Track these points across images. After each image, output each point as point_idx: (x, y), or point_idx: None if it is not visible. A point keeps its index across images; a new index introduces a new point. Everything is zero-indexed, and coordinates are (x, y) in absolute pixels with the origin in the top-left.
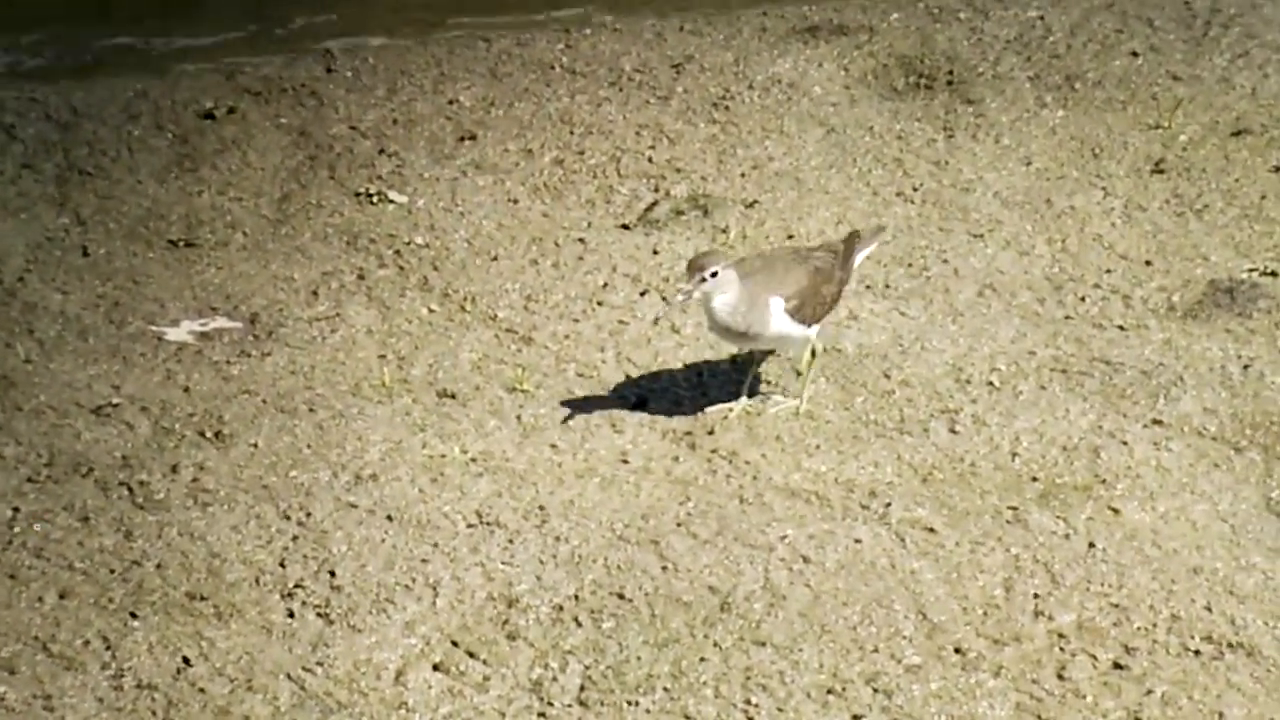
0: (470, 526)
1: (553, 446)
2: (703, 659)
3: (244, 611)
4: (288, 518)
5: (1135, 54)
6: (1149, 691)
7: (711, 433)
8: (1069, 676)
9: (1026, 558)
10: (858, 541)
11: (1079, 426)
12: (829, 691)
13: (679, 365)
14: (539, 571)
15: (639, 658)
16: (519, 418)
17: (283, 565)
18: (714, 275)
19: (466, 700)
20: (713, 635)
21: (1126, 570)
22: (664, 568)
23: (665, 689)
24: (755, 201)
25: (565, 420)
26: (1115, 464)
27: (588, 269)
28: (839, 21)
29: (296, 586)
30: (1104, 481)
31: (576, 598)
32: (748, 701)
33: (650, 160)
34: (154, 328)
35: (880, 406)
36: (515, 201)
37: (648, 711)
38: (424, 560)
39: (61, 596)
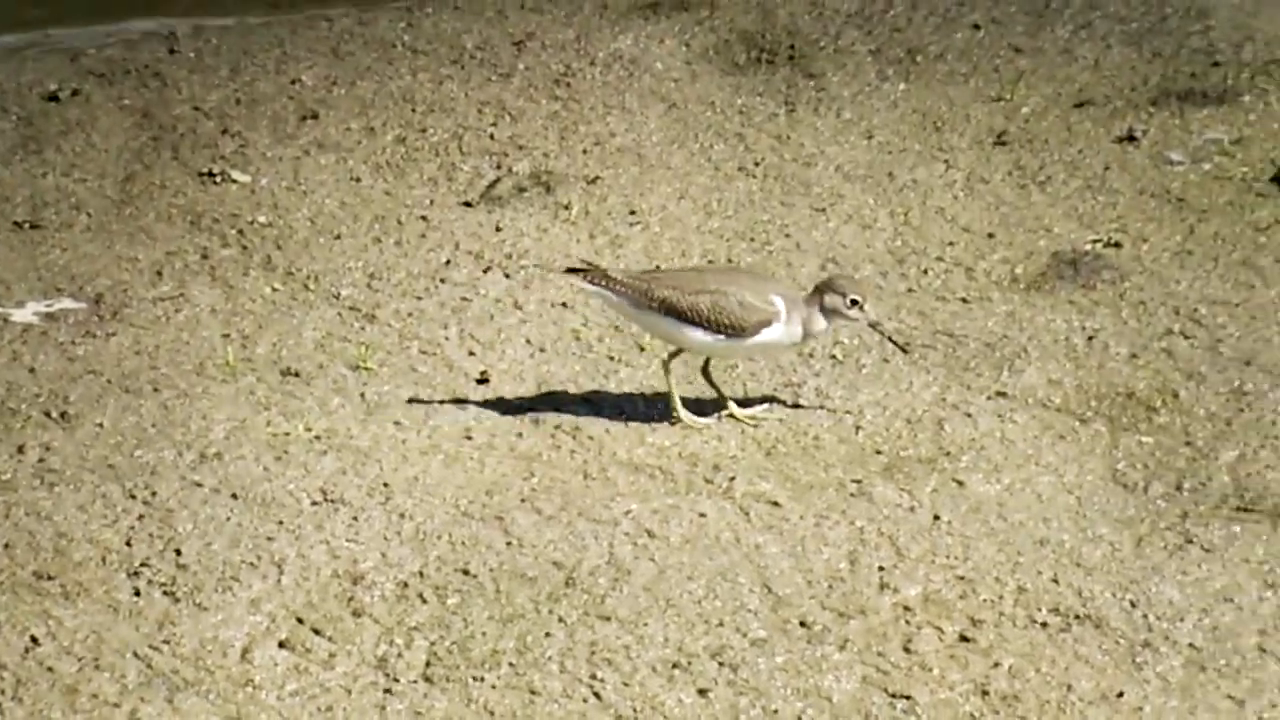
0: (315, 504)
1: (396, 424)
2: (548, 634)
3: (91, 590)
4: (133, 497)
5: (977, 26)
6: (996, 664)
7: (555, 408)
8: (915, 649)
9: (871, 531)
10: (702, 516)
11: (923, 399)
12: (674, 666)
13: (522, 341)
14: (384, 548)
15: (484, 633)
16: (363, 395)
17: (129, 544)
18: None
19: (312, 677)
20: (557, 610)
21: (972, 543)
22: (509, 543)
23: (510, 664)
24: (597, 177)
25: (409, 398)
26: (959, 436)
27: (430, 246)
28: None
29: (143, 565)
30: (948, 454)
31: (421, 574)
32: (593, 676)
33: (492, 138)
34: None
35: (723, 381)
36: (358, 180)
37: (493, 687)
38: (269, 538)
39: None
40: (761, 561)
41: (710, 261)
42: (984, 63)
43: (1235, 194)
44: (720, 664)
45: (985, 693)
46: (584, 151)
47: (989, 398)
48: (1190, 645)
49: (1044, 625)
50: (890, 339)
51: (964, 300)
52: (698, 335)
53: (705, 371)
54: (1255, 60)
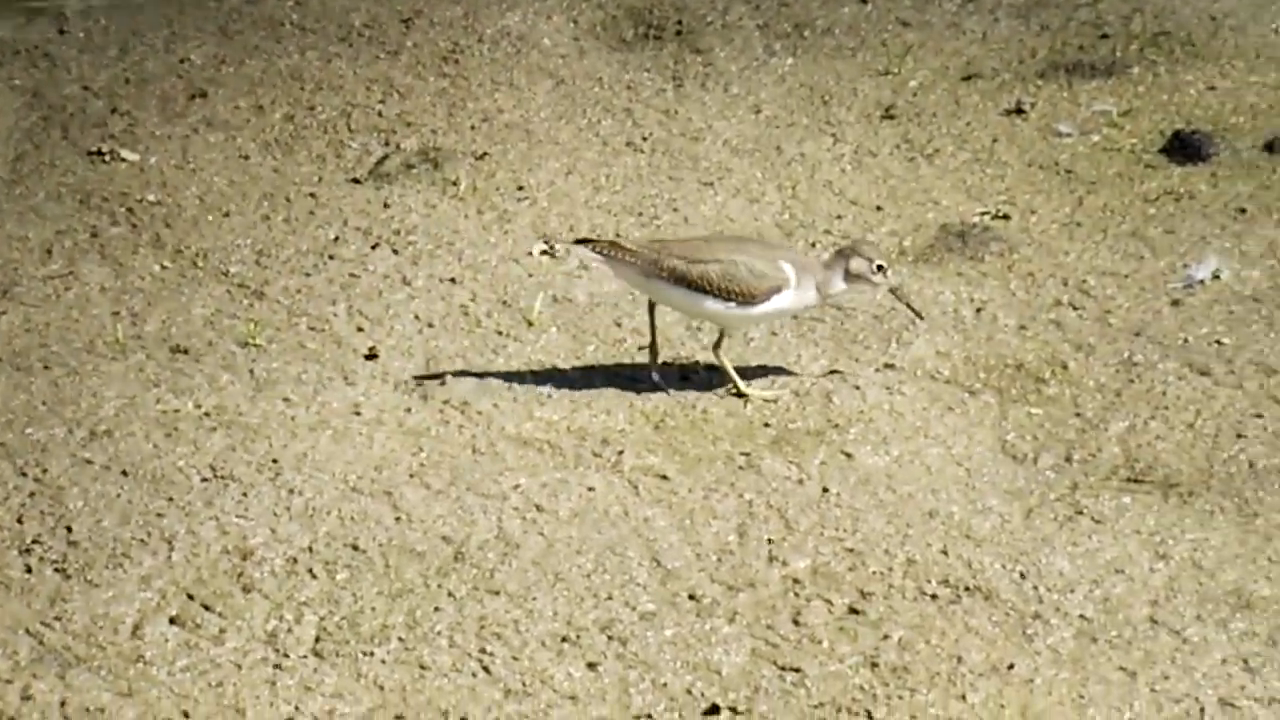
0: (205, 480)
1: (285, 400)
2: (437, 609)
3: None
4: (24, 474)
5: (864, 1)
6: (885, 636)
7: (443, 383)
8: (804, 622)
9: (760, 503)
10: (591, 490)
11: (811, 371)
12: (564, 640)
13: (410, 317)
14: (273, 524)
15: (374, 608)
16: (251, 372)
17: (20, 521)
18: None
19: (203, 652)
20: (447, 585)
21: (861, 515)
22: (398, 518)
23: (400, 639)
24: (485, 154)
25: (298, 374)
26: (848, 409)
27: (319, 223)
28: None
29: (34, 542)
30: (837, 426)
31: (311, 549)
32: (482, 650)
33: (380, 115)
34: None
35: (612, 355)
36: (246, 158)
37: (383, 662)
38: (159, 514)
39: None
40: (650, 535)
41: (599, 237)
42: (871, 37)
43: (1124, 165)
44: (609, 637)
45: (875, 665)
46: (472, 128)
47: (877, 370)
48: (1081, 617)
49: (933, 597)
50: (910, 305)
51: None
52: (709, 304)
53: (716, 349)
54: (1144, 32)
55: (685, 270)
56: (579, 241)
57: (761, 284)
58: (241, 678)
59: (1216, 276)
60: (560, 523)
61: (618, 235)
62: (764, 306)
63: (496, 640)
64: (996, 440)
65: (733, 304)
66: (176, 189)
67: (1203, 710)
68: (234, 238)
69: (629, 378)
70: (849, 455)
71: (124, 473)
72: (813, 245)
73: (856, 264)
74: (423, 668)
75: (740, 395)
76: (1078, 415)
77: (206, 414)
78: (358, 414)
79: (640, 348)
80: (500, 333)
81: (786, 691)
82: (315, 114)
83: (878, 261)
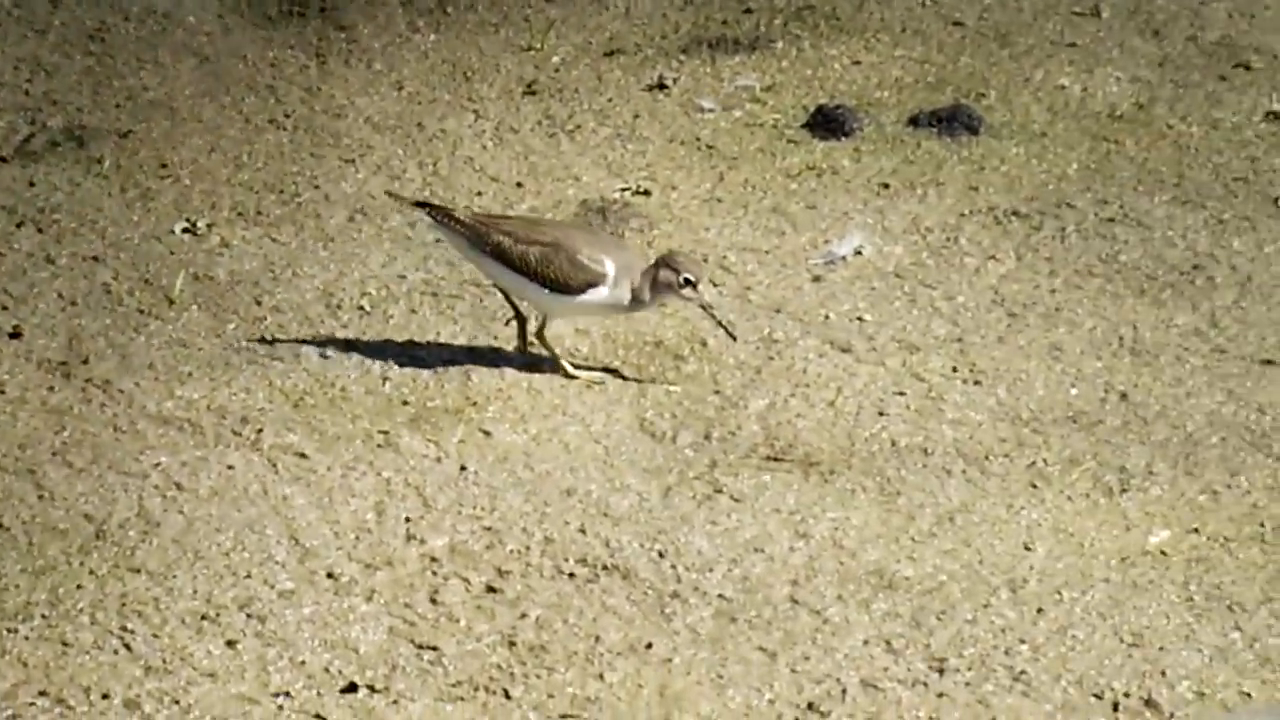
0: None
1: None
2: (79, 586)
3: None
4: None
5: None
6: (523, 615)
7: (85, 361)
8: (442, 600)
9: (398, 481)
10: (230, 468)
11: (450, 349)
12: (203, 617)
13: (54, 295)
14: None
15: (17, 585)
16: None
17: None
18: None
19: None
20: (88, 563)
21: (499, 492)
22: (40, 496)
23: (43, 616)
24: (130, 131)
25: None
26: (486, 387)
27: None
28: None
29: None
30: (475, 404)
31: None
32: (123, 628)
33: (27, 93)
34: None
35: (252, 333)
36: None
37: (26, 638)
38: None
39: None
40: (289, 513)
41: (240, 214)
42: (514, 12)
43: (766, 141)
44: (248, 615)
45: (513, 644)
46: (117, 106)
47: (516, 347)
48: (720, 596)
49: (571, 576)
50: (721, 324)
51: None
52: (525, 285)
53: (540, 334)
54: (788, 6)
55: (508, 248)
56: (418, 204)
57: (578, 275)
58: None
59: (859, 252)
60: (200, 501)
61: (468, 205)
62: (578, 298)
63: (137, 617)
64: (635, 418)
65: (547, 291)
66: None
67: (844, 691)
68: None
69: (268, 356)
70: (487, 433)
71: None
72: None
73: (664, 275)
74: (65, 645)
75: (569, 376)
76: (717, 393)
77: None
78: (1, 392)
79: (277, 330)
80: (142, 311)
81: (424, 670)
82: None
83: (685, 275)
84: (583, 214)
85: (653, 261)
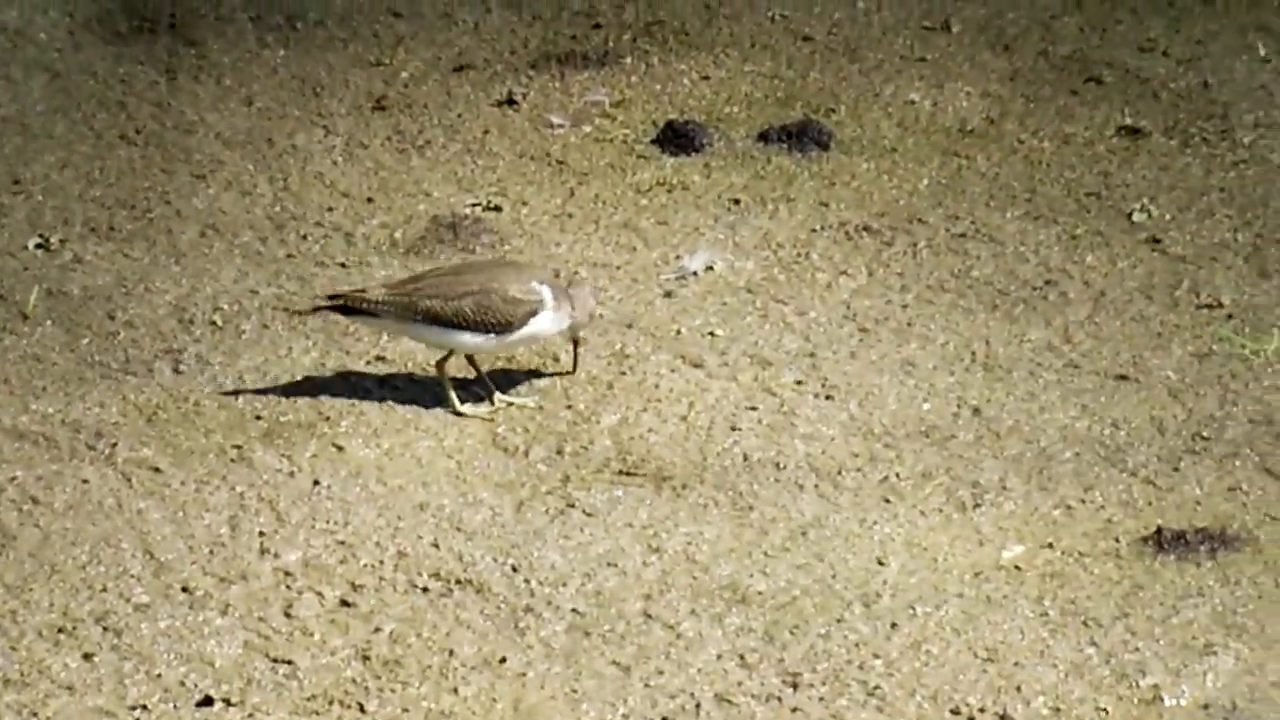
0: None
1: None
2: None
3: None
4: None
5: None
6: (377, 629)
7: None
8: (296, 614)
9: (252, 496)
10: (85, 482)
11: (302, 364)
12: (60, 630)
13: None
14: None
15: None
16: None
17: None
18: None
19: None
20: None
21: (352, 507)
22: None
23: None
24: None
25: None
26: (339, 402)
27: None
28: None
29: None
30: (328, 419)
31: None
32: None
33: None
34: None
35: (105, 348)
36: None
37: None
38: None
39: None
40: (144, 527)
41: (93, 230)
42: (363, 28)
43: (616, 156)
44: (105, 628)
45: (367, 658)
46: None
47: (368, 362)
48: (573, 610)
49: (425, 590)
50: (576, 357)
51: (343, 265)
52: (466, 338)
53: (470, 360)
54: (637, 22)
55: (440, 309)
56: (324, 304)
57: (518, 310)
58: None
59: (710, 268)
60: (55, 515)
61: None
62: (520, 332)
63: None
64: (488, 433)
65: (491, 335)
66: None
67: (698, 706)
68: None
69: (122, 370)
70: (340, 448)
71: None
72: (304, 238)
73: (591, 302)
74: None
75: (457, 414)
76: (569, 408)
77: None
78: None
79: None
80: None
81: (279, 683)
82: None
83: (597, 307)
84: (434, 229)
85: (567, 282)
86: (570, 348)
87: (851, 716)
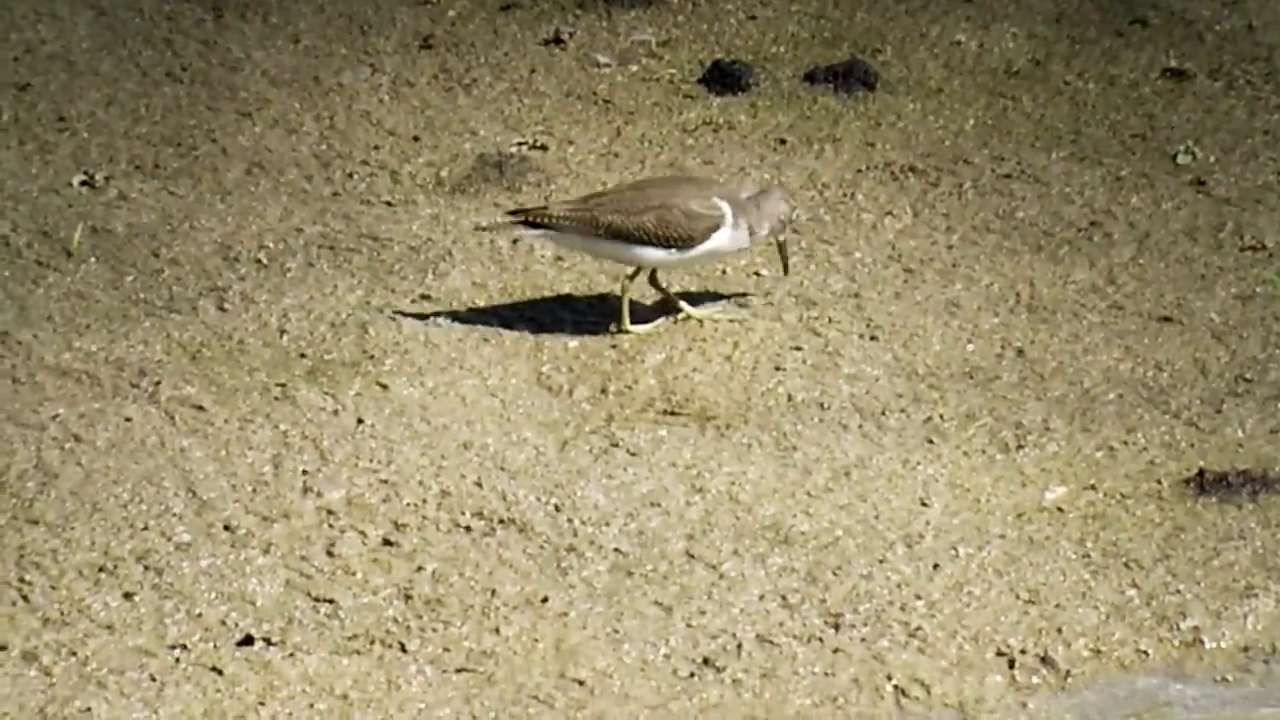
0: None
1: None
2: None
3: None
4: None
5: None
6: (419, 568)
7: None
8: (338, 553)
9: (295, 434)
10: (128, 420)
11: (347, 303)
12: (100, 569)
13: None
14: None
15: None
16: None
17: None
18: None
19: None
20: None
21: (396, 446)
22: None
23: None
24: (28, 84)
25: None
26: (383, 340)
27: None
28: None
29: None
30: (372, 357)
31: None
32: (21, 580)
33: None
34: None
35: (149, 285)
36: None
37: None
38: None
39: None
40: (187, 466)
41: (138, 168)
42: None
43: (662, 96)
44: (146, 567)
45: (409, 597)
46: (15, 59)
47: (413, 301)
48: (616, 550)
49: (468, 529)
50: (785, 260)
51: (389, 204)
52: (649, 252)
53: (653, 280)
54: None
55: (623, 224)
56: (511, 213)
57: (699, 226)
58: None
59: None
60: (98, 453)
61: (547, 200)
62: (701, 248)
63: (35, 569)
64: (532, 372)
65: (673, 250)
66: None
67: (740, 646)
68: None
69: (166, 308)
70: (384, 386)
71: None
72: (349, 176)
73: (781, 208)
74: None
75: (624, 331)
76: (613, 347)
77: None
78: None
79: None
80: (40, 263)
81: (320, 622)
82: None
83: (797, 210)
84: (480, 168)
85: (761, 192)
86: (778, 252)
87: (893, 657)
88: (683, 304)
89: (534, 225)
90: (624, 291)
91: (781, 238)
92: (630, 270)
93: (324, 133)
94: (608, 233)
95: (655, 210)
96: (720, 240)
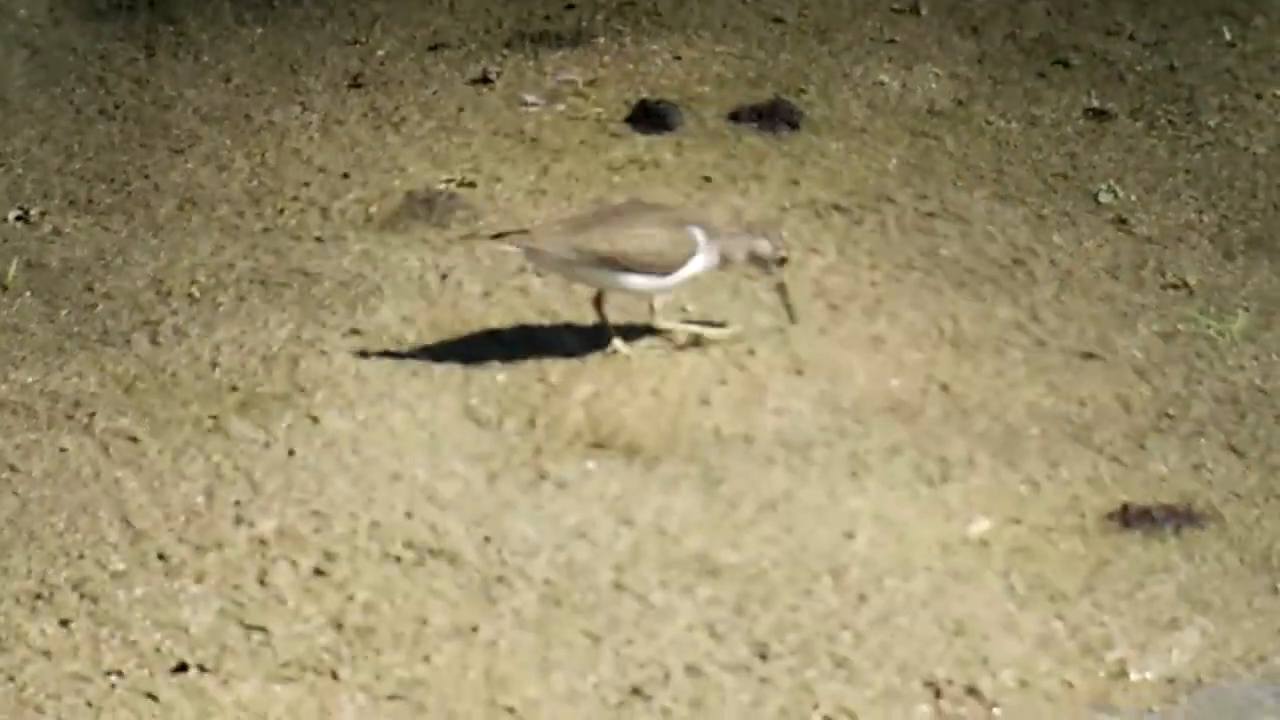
0: None
1: None
2: None
3: None
4: None
5: None
6: (350, 597)
7: None
8: (271, 582)
9: (227, 466)
10: (63, 451)
11: (278, 336)
12: (37, 597)
13: None
14: None
15: None
16: None
17: None
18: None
19: None
20: None
21: (327, 477)
22: None
23: None
24: None
25: None
26: (314, 373)
27: None
28: None
29: None
30: (303, 390)
31: None
32: None
33: None
34: None
35: (84, 319)
36: None
37: None
38: None
39: None
40: (121, 496)
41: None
42: (340, 7)
43: (589, 134)
44: (81, 595)
45: (340, 625)
46: None
47: (343, 335)
48: (545, 580)
49: (398, 560)
50: (788, 305)
51: (319, 239)
52: (631, 280)
53: (597, 303)
54: (609, 2)
55: (607, 251)
56: (495, 237)
57: (678, 253)
58: None
59: None
60: (34, 483)
61: (530, 223)
62: (680, 274)
63: None
64: (461, 405)
65: (655, 276)
66: None
67: (668, 676)
68: None
69: (100, 341)
70: (315, 419)
71: None
72: (280, 212)
73: (762, 246)
74: None
75: (615, 352)
76: (542, 380)
77: None
78: None
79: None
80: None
81: (253, 650)
82: None
83: (781, 253)
84: (408, 205)
85: (746, 227)
86: (779, 298)
87: (820, 687)
88: (616, 341)
89: (518, 245)
90: (603, 316)
91: (779, 280)
92: (595, 295)
93: (255, 169)
94: (594, 259)
95: (638, 237)
96: (696, 267)
